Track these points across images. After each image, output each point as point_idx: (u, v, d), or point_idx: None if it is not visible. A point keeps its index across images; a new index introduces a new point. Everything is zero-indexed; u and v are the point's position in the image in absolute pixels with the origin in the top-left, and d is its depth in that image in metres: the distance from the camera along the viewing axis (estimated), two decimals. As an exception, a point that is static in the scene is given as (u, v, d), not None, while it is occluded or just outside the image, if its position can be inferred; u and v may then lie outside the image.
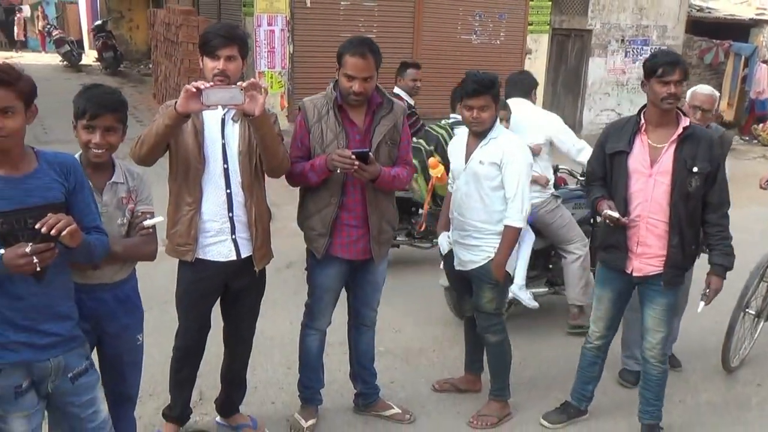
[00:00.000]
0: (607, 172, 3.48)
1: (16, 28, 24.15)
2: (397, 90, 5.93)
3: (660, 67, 3.21)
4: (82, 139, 2.64)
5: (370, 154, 3.22)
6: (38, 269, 2.14)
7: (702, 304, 3.45)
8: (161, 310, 4.49)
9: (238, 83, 2.84)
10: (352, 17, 10.70)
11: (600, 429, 3.81)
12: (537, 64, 12.39)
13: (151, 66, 15.67)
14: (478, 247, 3.60)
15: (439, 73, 11.23)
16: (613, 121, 3.77)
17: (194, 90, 2.75)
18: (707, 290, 3.42)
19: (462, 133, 3.74)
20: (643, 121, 3.36)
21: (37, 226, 2.10)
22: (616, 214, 3.30)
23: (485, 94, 3.43)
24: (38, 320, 2.33)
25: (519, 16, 12.05)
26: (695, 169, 3.25)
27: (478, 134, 3.56)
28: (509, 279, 3.70)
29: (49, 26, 22.93)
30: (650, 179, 3.33)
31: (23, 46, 24.21)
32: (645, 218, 3.37)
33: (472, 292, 3.75)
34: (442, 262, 4.00)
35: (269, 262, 3.36)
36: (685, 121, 3.32)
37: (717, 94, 4.33)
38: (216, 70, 3.00)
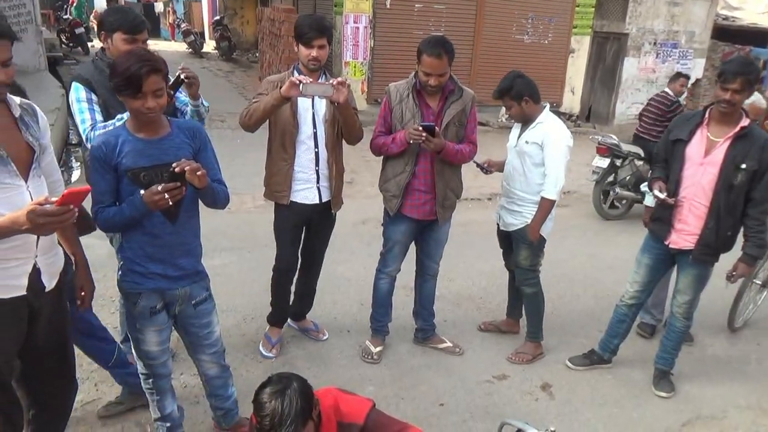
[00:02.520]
0: (668, 157, 3.34)
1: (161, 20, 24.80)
2: (666, 89, 7.08)
3: (724, 74, 3.01)
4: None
5: (436, 128, 3.20)
6: (170, 203, 2.17)
7: (727, 282, 3.33)
8: (261, 252, 4.59)
9: (331, 80, 2.97)
10: (424, 17, 10.50)
11: (617, 374, 3.71)
12: (578, 62, 11.96)
13: (257, 54, 15.79)
14: (519, 212, 3.54)
15: (494, 67, 10.95)
16: (684, 113, 3.61)
17: (297, 82, 2.92)
18: (734, 272, 3.27)
19: None
20: (707, 116, 3.19)
21: (173, 165, 2.15)
22: (662, 195, 3.20)
23: (504, 96, 3.45)
24: (171, 255, 2.39)
25: (565, 19, 11.59)
26: (743, 166, 3.05)
27: (526, 121, 3.49)
28: (543, 241, 3.62)
29: (178, 20, 23.37)
30: (701, 167, 3.17)
31: (157, 35, 24.78)
32: (690, 200, 3.21)
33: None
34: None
35: (341, 208, 3.55)
36: (744, 122, 3.10)
37: (763, 103, 4.05)
38: (310, 56, 3.17)
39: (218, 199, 2.44)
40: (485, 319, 4.20)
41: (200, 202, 2.43)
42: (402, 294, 4.15)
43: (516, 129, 3.64)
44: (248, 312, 4.01)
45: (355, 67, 10.18)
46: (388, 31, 10.37)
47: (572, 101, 12.21)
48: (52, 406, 2.41)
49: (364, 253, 4.98)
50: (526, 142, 3.44)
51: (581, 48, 11.88)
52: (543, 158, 3.40)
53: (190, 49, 19.05)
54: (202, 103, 3.02)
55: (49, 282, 2.18)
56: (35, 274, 2.10)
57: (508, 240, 3.73)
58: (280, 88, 3.01)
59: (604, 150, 6.51)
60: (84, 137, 2.69)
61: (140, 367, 2.59)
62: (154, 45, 19.79)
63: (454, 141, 3.35)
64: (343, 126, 3.28)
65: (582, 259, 5.47)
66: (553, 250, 3.73)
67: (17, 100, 2.09)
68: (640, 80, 12.15)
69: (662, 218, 3.35)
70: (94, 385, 3.20)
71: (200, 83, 2.88)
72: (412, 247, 3.70)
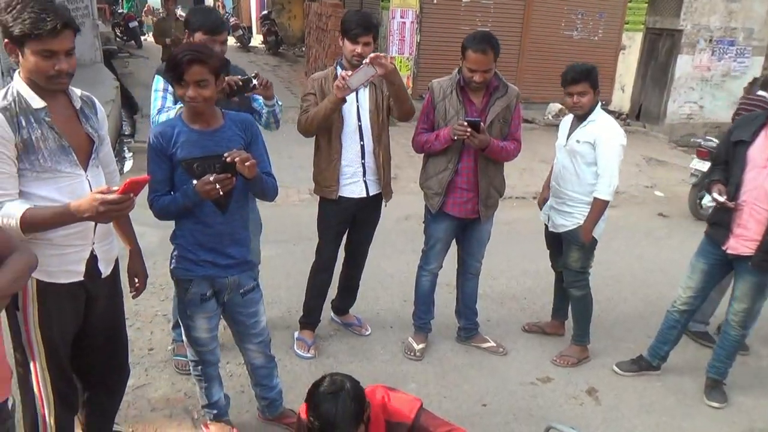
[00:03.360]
0: (729, 158, 3.20)
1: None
2: (761, 92, 6.60)
3: None
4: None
5: (481, 123, 3.14)
6: (221, 193, 2.21)
7: None
8: (306, 245, 4.62)
9: (364, 62, 2.98)
10: (471, 13, 10.37)
11: (667, 381, 3.59)
12: (629, 59, 11.63)
13: (303, 49, 15.90)
14: (570, 213, 3.45)
15: (541, 64, 10.76)
16: (746, 114, 3.46)
17: (342, 83, 2.98)
18: None
19: (571, 115, 3.56)
20: None
21: (224, 156, 2.18)
22: (721, 198, 3.06)
23: (583, 81, 3.26)
24: (221, 244, 2.43)
25: (617, 15, 11.27)
26: None
27: (579, 117, 3.39)
28: (595, 243, 3.52)
29: (227, 15, 23.72)
30: (764, 170, 3.02)
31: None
32: (751, 204, 3.06)
33: (563, 252, 3.61)
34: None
35: (391, 198, 3.54)
36: None
37: None
38: (355, 52, 3.17)
39: (267, 190, 2.47)
40: (529, 320, 4.12)
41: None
42: (445, 291, 4.12)
43: (564, 127, 3.55)
44: (292, 304, 4.05)
45: (400, 62, 10.13)
46: (435, 27, 10.28)
47: (622, 99, 11.89)
48: (105, 390, 2.48)
49: (407, 249, 4.95)
50: (578, 141, 3.35)
51: (633, 44, 11.54)
52: (595, 157, 3.31)
53: (238, 43, 19.32)
54: (277, 103, 3.13)
55: (105, 269, 2.24)
56: (92, 260, 2.17)
57: (557, 241, 3.65)
58: (335, 91, 3.04)
59: (705, 153, 6.42)
60: (151, 120, 2.92)
61: (190, 354, 2.65)
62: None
63: (499, 138, 3.29)
64: (394, 100, 3.24)
65: (630, 261, 5.32)
66: (600, 251, 3.63)
67: (78, 92, 2.15)
68: (694, 78, 11.72)
69: (720, 222, 3.21)
70: (144, 370, 3.28)
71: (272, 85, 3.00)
72: (456, 244, 3.66)
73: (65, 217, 1.93)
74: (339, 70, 3.29)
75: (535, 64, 10.76)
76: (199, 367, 2.65)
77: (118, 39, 16.82)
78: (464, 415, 3.10)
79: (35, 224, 1.90)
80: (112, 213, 1.89)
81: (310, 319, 3.64)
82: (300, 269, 4.07)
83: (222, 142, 2.32)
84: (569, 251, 3.53)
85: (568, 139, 3.44)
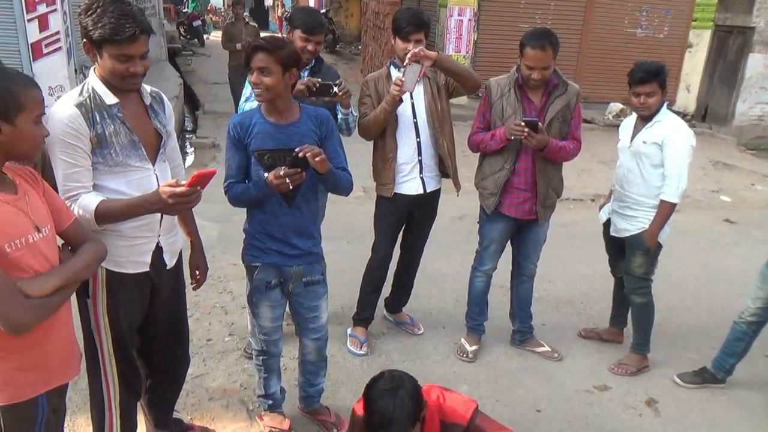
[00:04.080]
0: None
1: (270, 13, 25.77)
2: None
3: None
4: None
5: (540, 123, 3.07)
6: (290, 187, 2.26)
7: None
8: (360, 243, 4.64)
9: (406, 61, 2.94)
10: (531, 10, 10.19)
11: (732, 395, 3.41)
12: (696, 58, 11.16)
13: (360, 47, 16.00)
14: (635, 217, 3.32)
15: (602, 62, 10.49)
16: None
17: (398, 88, 2.98)
18: None
19: (633, 116, 3.43)
20: None
21: (296, 150, 2.22)
22: None
23: (652, 81, 3.13)
24: (288, 235, 2.47)
25: (684, 12, 10.84)
26: None
27: (644, 117, 3.26)
28: (659, 248, 3.39)
29: (286, 13, 24.08)
30: None
31: (266, 28, 25.74)
32: None
33: (625, 257, 3.49)
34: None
35: (460, 188, 3.55)
36: None
37: None
38: (407, 50, 3.10)
39: (340, 184, 2.49)
40: (585, 326, 4.01)
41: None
42: (499, 293, 4.05)
43: (627, 128, 3.43)
44: (345, 301, 4.07)
45: (457, 59, 10.08)
46: (493, 24, 10.15)
47: (687, 99, 11.43)
48: (166, 377, 2.56)
49: (461, 249, 4.90)
50: (644, 143, 3.23)
51: (700, 42, 11.07)
52: (662, 159, 3.18)
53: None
54: (351, 113, 3.18)
55: (170, 260, 2.31)
56: (158, 252, 2.24)
57: (618, 246, 3.53)
58: (392, 94, 3.04)
59: None
60: (238, 108, 3.10)
61: (254, 344, 2.71)
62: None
63: (557, 138, 3.21)
64: (456, 79, 3.18)
65: (695, 269, 5.10)
66: (662, 257, 3.48)
67: (148, 88, 2.22)
68: (767, 78, 11.15)
69: None
70: (202, 360, 3.37)
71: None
72: (511, 245, 3.60)
73: (136, 209, 2.00)
74: (393, 69, 3.28)
75: (595, 63, 10.48)
76: (261, 357, 2.70)
77: (182, 37, 17.36)
78: (517, 420, 3.04)
79: (108, 215, 1.98)
80: (181, 205, 1.96)
81: (363, 316, 3.65)
82: (353, 266, 4.09)
83: (295, 136, 2.36)
84: (632, 256, 3.41)
85: (632, 140, 3.33)
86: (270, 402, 2.82)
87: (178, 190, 1.91)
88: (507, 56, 9.09)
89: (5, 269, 1.55)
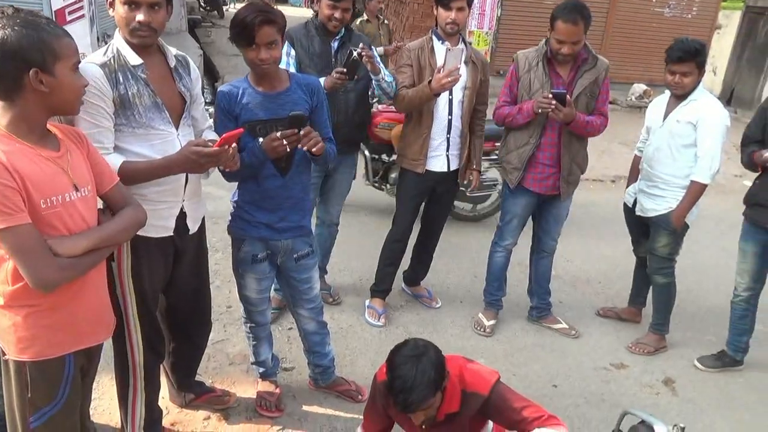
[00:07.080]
0: (766, 136, 3.04)
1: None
2: None
3: None
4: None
5: (568, 96, 3.01)
6: (288, 150, 2.20)
7: None
8: (378, 216, 4.64)
9: (445, 51, 2.95)
10: (556, -13, 9.96)
11: (749, 377, 3.39)
12: (725, 39, 10.88)
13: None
14: (662, 197, 3.27)
15: (627, 42, 10.26)
16: None
17: (452, 81, 2.97)
18: None
19: (666, 94, 3.35)
20: None
21: (291, 112, 2.19)
22: None
23: (689, 60, 3.05)
24: (278, 207, 2.41)
25: (714, -8, 10.55)
26: None
27: (678, 96, 3.18)
28: (686, 229, 3.34)
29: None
30: None
31: (285, 1, 25.47)
32: None
33: (649, 236, 3.44)
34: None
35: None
36: None
37: None
38: (449, 19, 3.10)
39: (328, 159, 2.45)
40: (604, 305, 3.99)
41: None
42: (517, 270, 4.03)
43: (659, 107, 3.35)
44: (364, 273, 4.07)
45: (479, 36, 9.88)
46: (518, 2, 9.96)
47: (713, 82, 11.16)
48: (189, 341, 2.59)
49: (481, 225, 4.88)
50: (678, 121, 3.16)
51: (730, 24, 10.78)
52: (695, 139, 3.11)
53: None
54: (383, 78, 3.10)
55: (193, 226, 2.31)
56: (182, 217, 2.23)
57: (643, 226, 3.48)
58: (441, 83, 2.98)
59: None
60: None
61: (241, 311, 2.71)
62: (281, 10, 20.56)
63: (584, 113, 3.16)
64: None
65: (715, 252, 5.04)
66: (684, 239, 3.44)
67: (173, 51, 2.19)
68: (796, 62, 10.85)
69: (762, 203, 3.04)
70: (222, 326, 3.40)
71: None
72: (530, 223, 3.57)
73: (160, 170, 2.00)
74: (435, 39, 3.23)
75: (620, 42, 10.26)
76: (248, 325, 2.70)
77: (201, 9, 17.25)
78: (533, 395, 3.01)
79: (131, 176, 1.97)
80: (210, 164, 2.01)
81: (381, 288, 3.65)
82: (372, 240, 4.09)
83: (286, 105, 2.30)
84: (658, 236, 3.36)
85: (665, 119, 3.25)
86: (261, 369, 2.83)
87: (206, 150, 1.92)
88: (530, 33, 8.96)
89: (38, 225, 1.55)
